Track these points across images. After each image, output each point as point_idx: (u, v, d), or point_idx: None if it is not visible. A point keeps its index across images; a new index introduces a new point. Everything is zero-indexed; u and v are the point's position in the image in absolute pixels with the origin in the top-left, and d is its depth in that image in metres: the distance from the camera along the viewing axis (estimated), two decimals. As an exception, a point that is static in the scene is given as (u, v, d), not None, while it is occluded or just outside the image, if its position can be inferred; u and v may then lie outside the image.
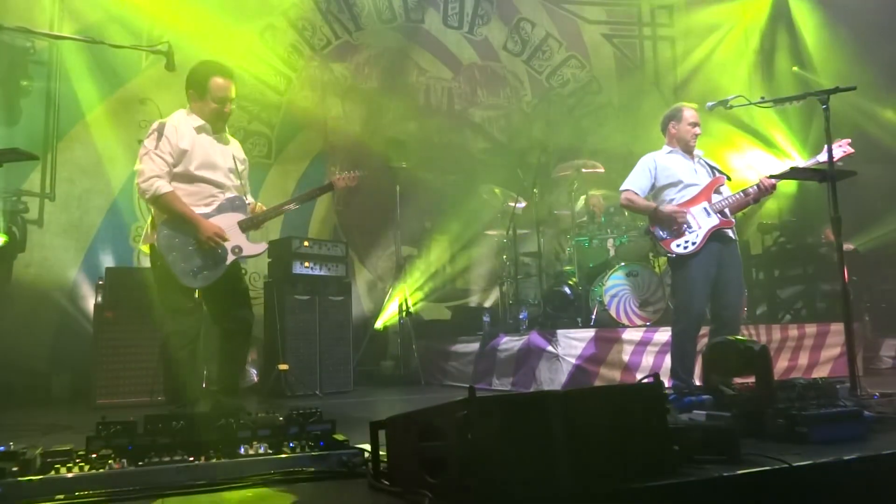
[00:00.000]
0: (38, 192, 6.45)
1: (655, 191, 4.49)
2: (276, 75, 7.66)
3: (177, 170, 3.58)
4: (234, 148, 3.89)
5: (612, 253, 6.05)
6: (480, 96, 8.72)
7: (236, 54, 7.39)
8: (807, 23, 8.99)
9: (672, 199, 4.38)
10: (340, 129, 7.95)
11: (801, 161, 5.40)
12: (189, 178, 3.61)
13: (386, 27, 8.31)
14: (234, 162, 3.80)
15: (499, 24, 8.86)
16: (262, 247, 3.82)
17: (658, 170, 4.45)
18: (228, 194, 3.73)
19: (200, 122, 3.70)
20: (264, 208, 3.89)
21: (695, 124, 4.45)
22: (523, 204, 6.57)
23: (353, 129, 8.00)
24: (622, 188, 4.52)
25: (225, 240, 3.58)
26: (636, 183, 4.47)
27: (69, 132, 6.63)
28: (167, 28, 6.85)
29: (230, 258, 3.61)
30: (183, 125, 3.65)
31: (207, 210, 3.63)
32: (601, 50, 9.27)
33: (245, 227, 3.70)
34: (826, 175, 3.60)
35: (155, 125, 3.64)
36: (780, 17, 9.32)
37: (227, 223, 3.64)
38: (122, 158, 6.78)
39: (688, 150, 4.49)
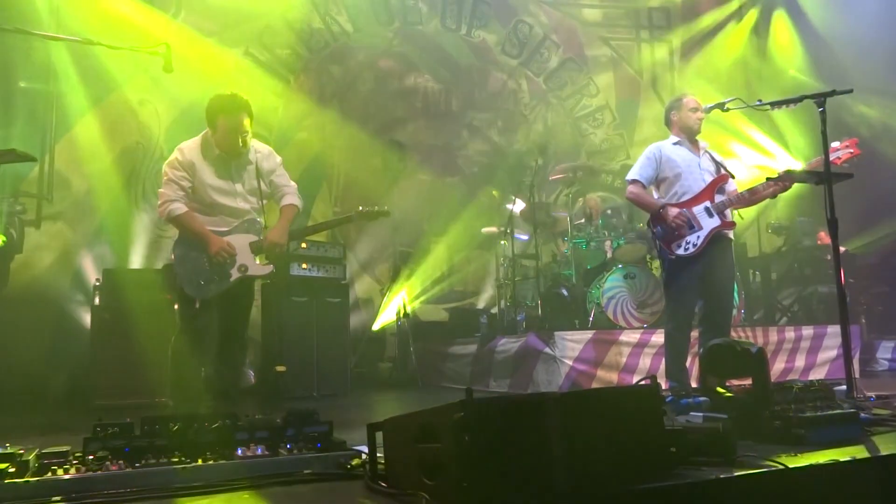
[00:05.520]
0: (35, 194, 6.45)
1: (658, 182, 4.41)
2: (275, 77, 7.66)
3: (195, 202, 3.81)
4: (261, 159, 3.96)
5: (609, 255, 6.06)
6: (478, 98, 8.73)
7: (235, 55, 7.42)
8: (805, 25, 9.02)
9: (674, 193, 4.32)
10: (338, 131, 7.96)
11: (799, 163, 5.43)
12: (208, 209, 3.83)
13: (384, 29, 8.32)
14: (258, 180, 3.91)
15: (497, 26, 8.87)
16: (269, 268, 3.94)
17: (663, 161, 4.36)
18: (248, 217, 3.91)
19: (216, 151, 3.84)
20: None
21: (695, 109, 4.39)
22: (521, 206, 6.58)
23: (351, 131, 8.00)
24: (628, 178, 4.44)
25: (233, 253, 3.76)
26: (642, 173, 4.38)
27: (67, 133, 6.63)
28: (166, 29, 6.87)
29: (235, 276, 3.79)
30: (193, 153, 3.81)
31: (224, 229, 3.84)
32: (599, 52, 9.28)
33: (255, 249, 3.86)
34: (822, 177, 3.61)
35: (175, 152, 3.84)
36: (779, 20, 9.34)
37: (239, 243, 3.82)
38: (119, 160, 6.79)
39: (693, 138, 4.41)
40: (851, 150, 3.87)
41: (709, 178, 4.32)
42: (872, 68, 7.67)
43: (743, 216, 4.62)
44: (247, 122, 3.81)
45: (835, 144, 3.81)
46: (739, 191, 4.34)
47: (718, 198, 4.27)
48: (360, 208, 4.27)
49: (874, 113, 8.15)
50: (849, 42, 8.09)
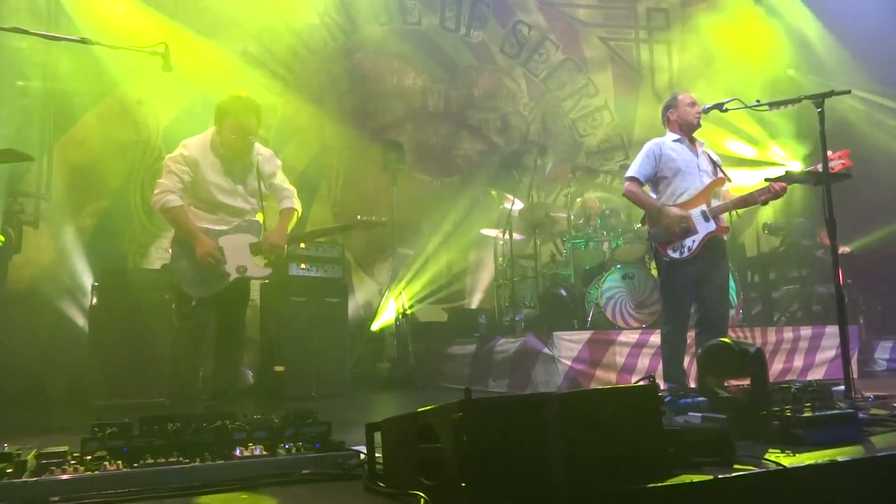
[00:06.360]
0: (33, 193, 6.43)
1: (656, 180, 4.37)
2: (274, 77, 7.65)
3: (197, 200, 3.81)
4: (262, 162, 3.99)
5: (607, 255, 6.06)
6: (477, 98, 8.72)
7: (234, 55, 7.40)
8: (804, 25, 9.02)
9: (672, 192, 4.30)
10: (337, 131, 7.95)
11: (797, 165, 5.45)
12: (209, 206, 3.84)
13: (383, 29, 8.31)
14: (259, 181, 3.94)
15: (496, 26, 8.87)
16: (267, 271, 3.97)
17: (662, 158, 4.33)
18: (248, 217, 3.93)
19: (220, 150, 3.87)
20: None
21: (693, 104, 4.37)
22: (520, 206, 6.58)
23: (350, 131, 8.00)
24: (627, 175, 4.40)
25: (218, 259, 3.74)
26: (641, 170, 4.34)
27: (65, 133, 6.62)
28: (165, 29, 6.86)
29: (233, 276, 3.80)
30: (197, 150, 3.82)
31: (225, 228, 3.84)
32: (597, 53, 9.29)
33: (255, 250, 3.88)
34: (821, 178, 3.61)
35: (179, 147, 3.85)
36: (778, 20, 9.34)
37: (239, 243, 3.83)
38: (117, 159, 6.77)
39: (692, 134, 4.39)
40: (844, 162, 3.83)
41: (707, 180, 4.31)
42: (874, 59, 7.69)
43: (741, 216, 4.63)
44: (255, 124, 3.86)
45: (828, 154, 3.81)
46: (733, 194, 4.35)
47: (714, 202, 4.27)
48: (359, 217, 4.40)
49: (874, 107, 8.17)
50: (851, 40, 8.10)
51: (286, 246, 4.02)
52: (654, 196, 4.40)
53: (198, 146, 3.84)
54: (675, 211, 4.20)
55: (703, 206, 4.23)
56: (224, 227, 3.84)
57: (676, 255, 4.21)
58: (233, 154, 3.86)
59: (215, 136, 3.88)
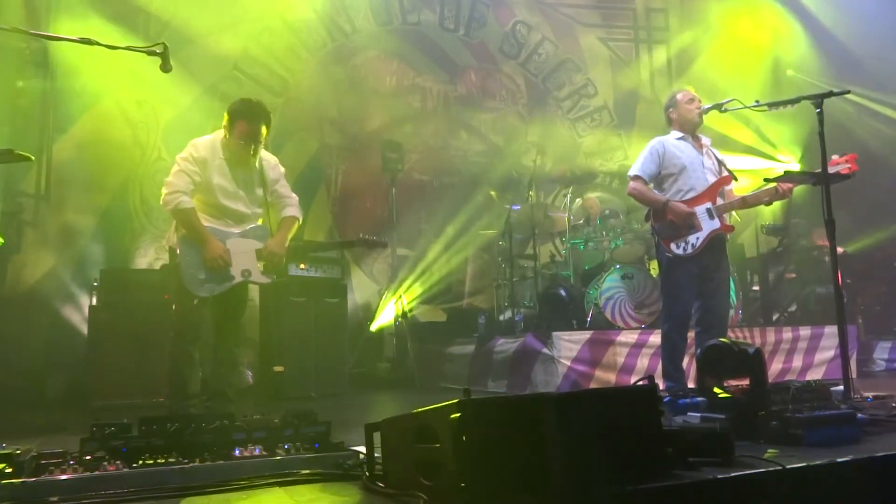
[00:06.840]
0: (33, 194, 6.43)
1: (660, 178, 4.37)
2: (273, 77, 7.65)
3: (202, 201, 3.83)
4: (266, 168, 4.01)
5: (607, 255, 6.06)
6: (476, 99, 8.72)
7: (233, 55, 7.40)
8: (805, 25, 9.03)
9: (678, 190, 4.29)
10: (336, 131, 7.95)
11: (796, 165, 5.46)
12: (213, 209, 3.85)
13: (382, 29, 8.31)
14: (264, 188, 3.97)
15: (495, 27, 8.87)
16: (269, 279, 3.99)
17: (666, 156, 4.32)
18: (251, 222, 3.95)
19: (228, 152, 3.88)
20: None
21: (691, 100, 4.38)
22: (518, 206, 6.58)
23: (350, 131, 8.00)
24: (631, 173, 4.39)
25: (227, 263, 3.76)
26: (644, 169, 4.33)
27: (65, 133, 6.61)
28: (164, 29, 6.86)
29: (237, 279, 3.83)
30: (206, 151, 3.84)
31: (235, 231, 3.87)
32: (597, 53, 9.28)
33: (258, 256, 3.89)
34: (820, 178, 3.62)
35: (189, 147, 3.85)
36: (778, 19, 9.34)
37: (246, 247, 3.86)
38: (117, 159, 6.77)
39: (695, 131, 4.40)
40: (850, 166, 3.82)
41: (711, 178, 4.31)
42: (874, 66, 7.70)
43: (740, 217, 4.64)
44: (264, 131, 3.88)
45: (834, 157, 3.81)
46: (736, 193, 4.35)
47: (719, 200, 4.27)
48: (361, 235, 4.55)
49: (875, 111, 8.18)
50: (850, 40, 8.11)
51: (284, 255, 4.03)
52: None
53: (207, 147, 3.85)
54: (681, 206, 4.20)
55: (709, 204, 4.23)
56: (234, 231, 3.87)
57: (680, 252, 4.20)
58: (239, 159, 3.87)
59: (223, 139, 3.88)
